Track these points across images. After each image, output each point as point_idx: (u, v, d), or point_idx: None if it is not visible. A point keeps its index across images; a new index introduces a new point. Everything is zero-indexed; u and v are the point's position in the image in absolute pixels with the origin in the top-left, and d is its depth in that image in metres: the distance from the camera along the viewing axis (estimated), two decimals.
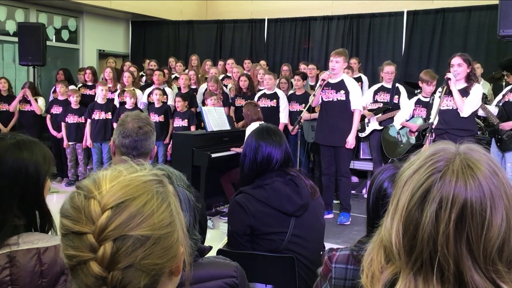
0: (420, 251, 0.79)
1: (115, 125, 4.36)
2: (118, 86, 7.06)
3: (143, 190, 0.74)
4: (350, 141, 4.99)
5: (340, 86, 5.02)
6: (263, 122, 4.95)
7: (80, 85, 7.53)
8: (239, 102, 6.64)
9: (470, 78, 4.35)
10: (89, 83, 7.38)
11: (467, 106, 4.32)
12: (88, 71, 7.40)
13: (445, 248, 0.77)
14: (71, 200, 0.74)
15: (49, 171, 1.41)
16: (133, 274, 0.70)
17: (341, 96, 5.01)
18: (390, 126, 5.69)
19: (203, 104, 6.57)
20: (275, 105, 6.18)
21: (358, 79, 6.73)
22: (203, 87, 7.09)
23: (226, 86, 7.26)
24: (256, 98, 6.23)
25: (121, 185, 0.74)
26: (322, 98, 5.13)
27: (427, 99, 5.28)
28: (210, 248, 1.44)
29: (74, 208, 0.72)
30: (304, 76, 6.37)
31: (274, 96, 6.21)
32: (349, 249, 1.34)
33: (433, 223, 0.78)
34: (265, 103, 6.20)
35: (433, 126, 4.21)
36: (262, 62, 7.70)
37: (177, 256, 0.77)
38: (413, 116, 5.42)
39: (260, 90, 6.55)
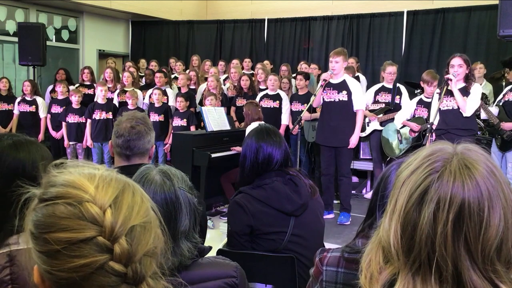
0: (418, 252, 0.79)
1: None
2: (118, 86, 7.06)
3: (122, 182, 0.76)
4: (353, 141, 4.98)
5: (342, 86, 5.00)
6: (263, 122, 4.94)
7: (77, 84, 7.52)
8: (240, 102, 6.61)
9: (469, 78, 4.37)
10: (87, 83, 7.38)
11: (469, 106, 4.33)
12: (86, 70, 7.41)
13: (443, 249, 0.77)
14: (54, 214, 0.69)
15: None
16: (146, 262, 0.73)
17: (343, 96, 4.99)
18: (390, 124, 5.68)
19: (201, 104, 6.56)
20: (277, 106, 6.17)
21: (356, 79, 6.71)
22: (202, 86, 7.07)
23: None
24: (258, 98, 6.22)
25: (103, 182, 0.73)
26: (323, 99, 5.11)
27: (429, 100, 5.27)
28: (210, 248, 1.44)
29: (67, 219, 0.69)
30: (307, 76, 6.36)
31: (277, 97, 6.20)
32: (340, 250, 1.30)
33: (431, 223, 0.78)
34: (268, 103, 6.18)
35: (433, 126, 4.20)
36: (266, 62, 7.68)
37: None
38: (414, 116, 5.41)
39: (261, 90, 6.54)
